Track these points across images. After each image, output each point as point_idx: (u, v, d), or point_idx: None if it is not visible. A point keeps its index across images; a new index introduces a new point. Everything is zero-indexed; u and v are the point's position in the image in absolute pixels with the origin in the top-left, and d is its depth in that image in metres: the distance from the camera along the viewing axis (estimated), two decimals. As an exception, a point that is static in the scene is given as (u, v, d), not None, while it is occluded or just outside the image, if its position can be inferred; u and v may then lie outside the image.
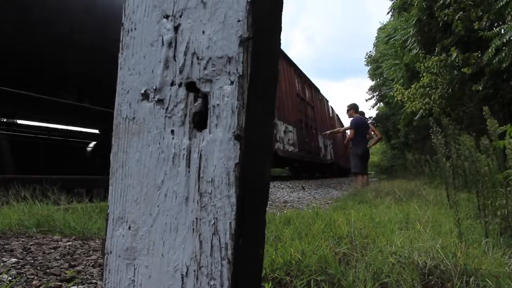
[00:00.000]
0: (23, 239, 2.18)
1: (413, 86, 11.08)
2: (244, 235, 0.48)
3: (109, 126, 2.58)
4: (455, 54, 8.31)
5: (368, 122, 8.33)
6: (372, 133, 8.02)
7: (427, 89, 10.52)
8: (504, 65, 6.68)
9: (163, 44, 0.53)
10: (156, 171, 0.52)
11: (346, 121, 30.44)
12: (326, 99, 19.92)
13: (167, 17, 0.53)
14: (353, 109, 7.74)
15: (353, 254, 1.59)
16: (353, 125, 7.60)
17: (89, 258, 1.91)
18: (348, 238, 1.90)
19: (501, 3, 6.55)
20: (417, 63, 10.78)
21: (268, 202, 0.63)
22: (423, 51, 10.77)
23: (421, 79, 10.77)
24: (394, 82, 15.71)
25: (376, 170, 42.00)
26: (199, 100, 0.51)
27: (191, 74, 0.51)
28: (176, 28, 0.52)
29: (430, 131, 2.56)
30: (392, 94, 12.89)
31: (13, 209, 2.74)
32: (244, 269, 0.49)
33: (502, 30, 6.72)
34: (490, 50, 6.94)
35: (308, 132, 14.73)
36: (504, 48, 6.70)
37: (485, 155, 2.63)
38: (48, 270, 1.67)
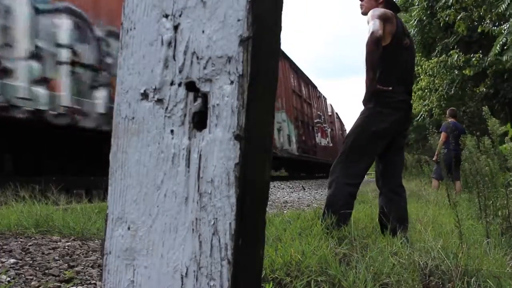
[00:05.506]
0: (22, 240, 2.17)
1: None
2: (244, 235, 0.48)
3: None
4: (456, 55, 8.31)
5: None
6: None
7: (426, 91, 10.54)
8: (507, 65, 6.67)
9: (162, 44, 0.53)
10: (156, 171, 0.52)
11: (345, 120, 30.21)
12: (324, 96, 19.36)
13: (166, 16, 0.52)
14: (447, 113, 7.35)
15: (353, 255, 1.59)
16: (443, 129, 6.97)
17: (88, 258, 1.91)
18: (349, 239, 1.90)
19: (504, 5, 6.55)
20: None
21: (268, 202, 0.63)
22: (421, 53, 10.78)
23: (419, 82, 10.79)
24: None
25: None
26: (199, 100, 0.50)
27: (190, 74, 0.51)
28: (175, 28, 0.52)
29: (426, 133, 2.55)
30: None
31: (12, 209, 2.73)
32: (244, 270, 0.49)
33: (507, 26, 6.70)
34: (494, 49, 6.92)
35: (305, 130, 14.09)
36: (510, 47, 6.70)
37: (485, 156, 2.62)
38: (47, 271, 1.66)
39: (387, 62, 2.27)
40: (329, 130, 19.19)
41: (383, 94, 2.23)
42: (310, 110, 15.47)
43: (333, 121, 20.63)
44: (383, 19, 2.19)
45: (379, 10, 2.24)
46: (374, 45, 2.12)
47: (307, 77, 16.09)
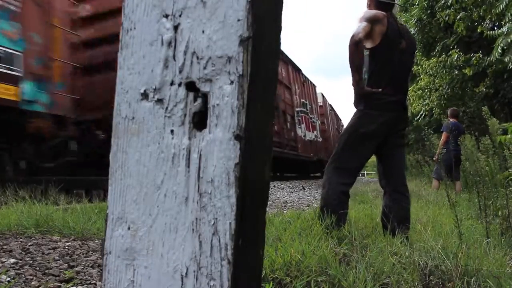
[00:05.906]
0: (22, 240, 2.17)
1: (410, 88, 11.11)
2: (244, 235, 0.48)
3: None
4: (456, 55, 8.31)
5: None
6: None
7: (426, 90, 10.55)
8: (510, 65, 6.67)
9: (162, 44, 0.53)
10: (156, 171, 0.52)
11: (345, 119, 29.82)
12: (312, 83, 16.39)
13: (166, 16, 0.52)
14: (449, 113, 7.14)
15: (353, 255, 1.59)
16: (444, 129, 6.85)
17: (88, 258, 1.91)
18: (349, 239, 1.90)
19: (502, 5, 6.56)
20: (414, 66, 10.78)
21: (268, 202, 0.63)
22: (421, 53, 10.80)
23: (419, 81, 10.80)
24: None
25: (376, 170, 41.60)
26: (199, 100, 0.50)
27: (190, 74, 0.51)
28: (175, 28, 0.52)
29: (423, 134, 2.55)
30: None
31: (12, 209, 2.74)
32: (244, 270, 0.49)
33: (505, 29, 6.70)
34: (495, 51, 6.93)
35: (279, 119, 11.62)
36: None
37: (485, 156, 2.62)
38: (47, 271, 1.66)
39: (377, 63, 2.28)
40: (318, 122, 16.59)
41: (372, 96, 2.23)
42: (289, 96, 12.99)
43: (325, 113, 17.81)
44: (371, 21, 2.20)
45: (370, 12, 2.25)
46: (354, 46, 2.14)
47: (287, 56, 13.37)
